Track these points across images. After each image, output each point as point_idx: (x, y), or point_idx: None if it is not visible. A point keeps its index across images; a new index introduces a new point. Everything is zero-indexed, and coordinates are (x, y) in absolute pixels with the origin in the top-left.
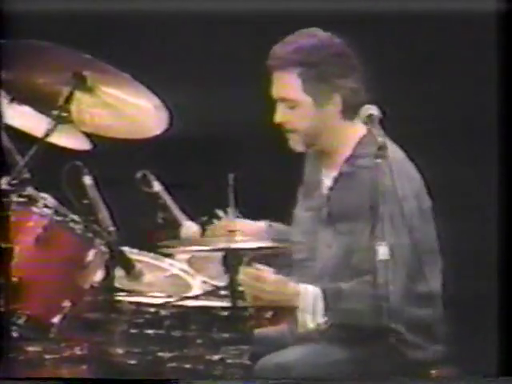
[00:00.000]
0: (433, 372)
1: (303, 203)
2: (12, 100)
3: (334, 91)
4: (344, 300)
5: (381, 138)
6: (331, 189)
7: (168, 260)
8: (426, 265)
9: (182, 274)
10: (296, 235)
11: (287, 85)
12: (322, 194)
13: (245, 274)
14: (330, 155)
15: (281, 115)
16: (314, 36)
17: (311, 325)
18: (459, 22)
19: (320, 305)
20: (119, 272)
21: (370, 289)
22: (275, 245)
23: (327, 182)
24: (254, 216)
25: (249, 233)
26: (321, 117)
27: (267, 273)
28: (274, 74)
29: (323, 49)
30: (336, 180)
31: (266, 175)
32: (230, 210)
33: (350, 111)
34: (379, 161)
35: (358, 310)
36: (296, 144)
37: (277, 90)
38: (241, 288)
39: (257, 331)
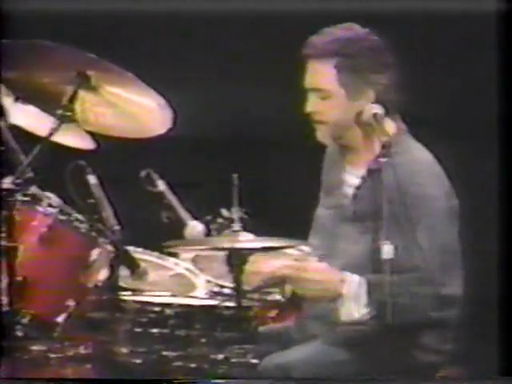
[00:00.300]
0: (440, 373)
1: (324, 201)
2: (16, 99)
3: (367, 85)
4: (387, 292)
5: (384, 136)
6: (358, 187)
7: (172, 259)
8: (449, 266)
9: (186, 273)
10: (316, 233)
11: (322, 74)
12: (345, 192)
13: (286, 267)
14: (356, 152)
15: (312, 105)
16: (351, 29)
17: (356, 314)
18: (459, 22)
19: (364, 294)
20: (124, 271)
21: (413, 287)
22: (281, 244)
23: (352, 180)
24: (258, 216)
25: None
26: (352, 110)
27: (310, 261)
28: (308, 62)
29: (360, 42)
30: (364, 178)
31: (271, 175)
32: (235, 210)
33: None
34: (384, 160)
35: (401, 304)
36: (324, 136)
37: (310, 80)
38: (283, 283)
39: (262, 330)
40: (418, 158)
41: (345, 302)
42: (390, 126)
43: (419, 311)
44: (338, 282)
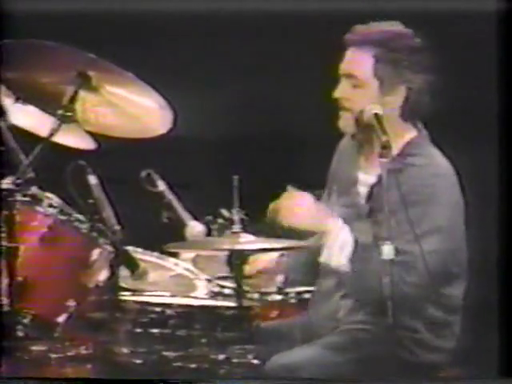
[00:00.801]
0: (440, 373)
1: (338, 200)
2: (17, 99)
3: (402, 83)
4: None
5: (384, 137)
6: (373, 186)
7: (173, 259)
8: (455, 272)
9: (186, 273)
10: None
11: (359, 62)
12: (360, 191)
13: (284, 198)
14: (371, 150)
15: (342, 91)
16: (396, 26)
17: (334, 260)
18: (459, 22)
19: (348, 249)
20: (124, 271)
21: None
22: (281, 246)
23: (367, 178)
24: (258, 217)
25: None
26: (381, 104)
27: (307, 197)
28: (348, 48)
29: (403, 39)
30: (380, 177)
31: (272, 176)
32: (235, 211)
33: (408, 110)
34: (383, 160)
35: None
36: (347, 124)
37: (346, 66)
38: (276, 215)
39: (262, 330)
40: (437, 162)
41: (329, 244)
42: (410, 129)
43: (421, 312)
44: (329, 220)
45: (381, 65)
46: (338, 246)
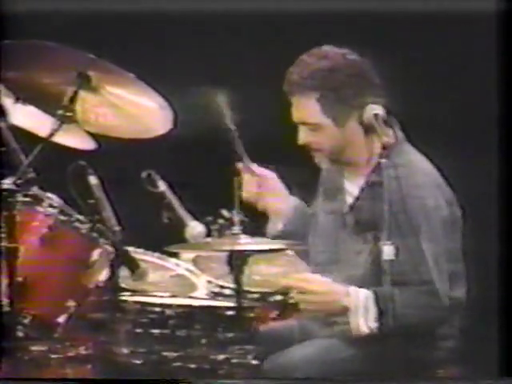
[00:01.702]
0: (440, 373)
1: (323, 206)
2: (17, 100)
3: (353, 110)
4: (397, 304)
5: (385, 137)
6: (358, 198)
7: (173, 260)
8: (452, 275)
9: (187, 273)
10: (315, 236)
11: (306, 109)
12: (345, 201)
13: (291, 278)
14: (354, 165)
15: (303, 137)
16: (327, 57)
17: (364, 328)
18: (459, 22)
19: (372, 308)
20: (124, 272)
21: (420, 299)
22: (281, 246)
23: (352, 189)
24: (258, 219)
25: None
26: (343, 135)
27: (314, 275)
28: (291, 98)
29: (339, 71)
30: (363, 189)
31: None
32: (235, 212)
33: (370, 126)
34: (384, 161)
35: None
36: (321, 161)
37: (297, 114)
38: (289, 294)
39: (263, 330)
40: (419, 169)
41: (352, 316)
42: (388, 136)
43: (422, 316)
44: (343, 295)
45: (327, 106)
46: (362, 313)
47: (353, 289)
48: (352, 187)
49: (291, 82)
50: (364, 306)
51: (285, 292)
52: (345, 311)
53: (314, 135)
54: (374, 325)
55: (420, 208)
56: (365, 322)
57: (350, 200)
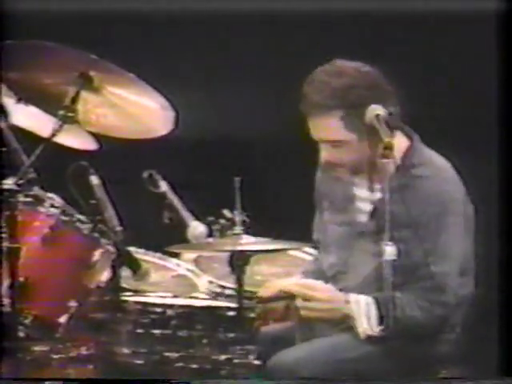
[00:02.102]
0: (440, 373)
1: (333, 217)
2: (18, 100)
3: (374, 119)
4: (398, 307)
5: (387, 138)
6: (377, 202)
7: (174, 260)
8: (465, 273)
9: (188, 274)
10: (331, 251)
11: (329, 128)
12: (360, 208)
13: (295, 285)
14: (369, 171)
15: (327, 155)
16: (344, 74)
17: (368, 333)
18: (459, 22)
19: (374, 312)
20: (125, 272)
21: (429, 296)
22: (282, 247)
23: (367, 194)
24: (259, 218)
25: None
26: (366, 147)
27: (316, 281)
28: (310, 118)
29: (358, 87)
30: (385, 193)
31: (273, 176)
32: (237, 213)
33: (392, 132)
34: (386, 160)
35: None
36: (342, 174)
37: (318, 133)
38: (292, 300)
39: (263, 331)
40: (441, 166)
41: (355, 323)
42: (402, 138)
43: (427, 315)
44: (344, 302)
45: (350, 122)
46: (365, 317)
47: (353, 296)
48: (366, 193)
49: (311, 102)
50: (365, 313)
51: (286, 297)
52: (346, 318)
53: (337, 152)
54: (377, 329)
55: (449, 202)
56: (368, 327)
57: (367, 207)
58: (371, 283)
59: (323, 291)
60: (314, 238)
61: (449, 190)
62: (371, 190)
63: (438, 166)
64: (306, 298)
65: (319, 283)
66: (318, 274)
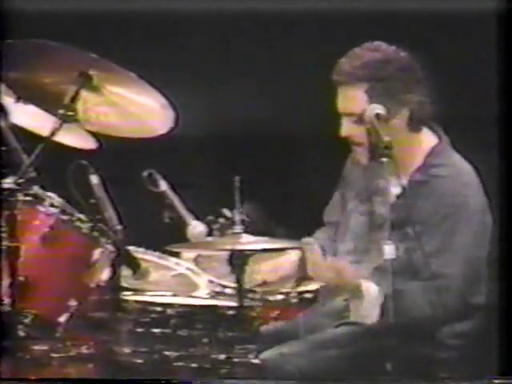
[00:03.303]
0: (440, 373)
1: (357, 206)
2: (18, 99)
3: (400, 105)
4: (404, 301)
5: (387, 137)
6: (399, 196)
7: (174, 259)
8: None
9: (188, 273)
10: (349, 239)
11: (354, 100)
12: (384, 200)
13: (324, 264)
14: (396, 164)
15: (346, 129)
16: (379, 50)
17: (367, 321)
18: (459, 22)
19: (378, 304)
20: (125, 271)
21: (428, 295)
22: (283, 246)
23: (392, 188)
24: (260, 218)
25: None
26: (387, 130)
27: (344, 262)
28: (339, 88)
29: (389, 64)
30: (405, 188)
31: (274, 176)
32: (236, 212)
33: (416, 123)
34: (384, 160)
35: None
36: (361, 157)
37: (343, 105)
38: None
39: (264, 330)
40: (463, 169)
41: (359, 307)
42: (430, 137)
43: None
44: (359, 280)
45: (375, 98)
46: (370, 305)
47: (366, 283)
48: (392, 187)
49: (342, 71)
50: (371, 301)
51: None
52: (356, 295)
53: (357, 127)
54: (375, 319)
55: (463, 206)
56: (369, 315)
57: (389, 199)
58: (382, 275)
59: (338, 264)
60: (325, 220)
61: (465, 195)
62: (392, 182)
63: (459, 169)
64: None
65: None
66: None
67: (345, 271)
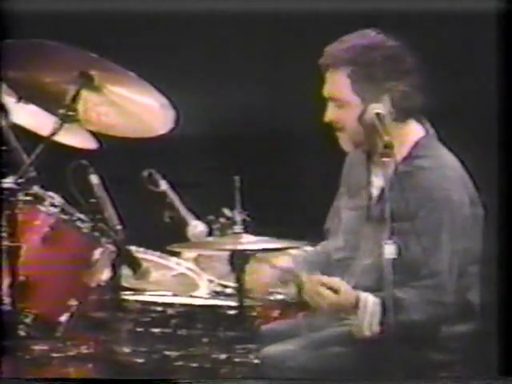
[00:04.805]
0: (440, 373)
1: (347, 202)
2: (19, 99)
3: (382, 93)
4: (403, 310)
5: (387, 136)
6: (384, 189)
7: (174, 259)
8: (468, 273)
9: (188, 272)
10: (340, 234)
11: (337, 84)
12: (371, 193)
13: (310, 281)
14: (378, 154)
15: (330, 114)
16: (366, 37)
17: (368, 331)
18: (459, 22)
19: (377, 315)
20: (126, 271)
21: (428, 294)
22: (283, 246)
23: (379, 181)
24: (260, 217)
25: None
26: (369, 117)
27: (331, 279)
28: (326, 72)
29: (374, 50)
30: (391, 180)
31: (274, 176)
32: (237, 212)
33: (401, 113)
34: (385, 159)
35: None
36: (345, 143)
37: (327, 89)
38: (305, 295)
39: (263, 330)
40: (448, 162)
41: (359, 321)
42: (417, 129)
43: (427, 315)
44: (353, 300)
45: (357, 82)
46: (369, 318)
47: (363, 296)
48: (378, 179)
49: (327, 54)
50: (371, 314)
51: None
52: (352, 314)
53: (340, 112)
54: (376, 330)
55: (445, 200)
56: (369, 328)
57: (375, 192)
58: (375, 270)
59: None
60: (325, 227)
61: (449, 189)
62: (378, 175)
63: (443, 162)
64: (317, 295)
65: (336, 281)
66: (320, 261)
67: (341, 289)
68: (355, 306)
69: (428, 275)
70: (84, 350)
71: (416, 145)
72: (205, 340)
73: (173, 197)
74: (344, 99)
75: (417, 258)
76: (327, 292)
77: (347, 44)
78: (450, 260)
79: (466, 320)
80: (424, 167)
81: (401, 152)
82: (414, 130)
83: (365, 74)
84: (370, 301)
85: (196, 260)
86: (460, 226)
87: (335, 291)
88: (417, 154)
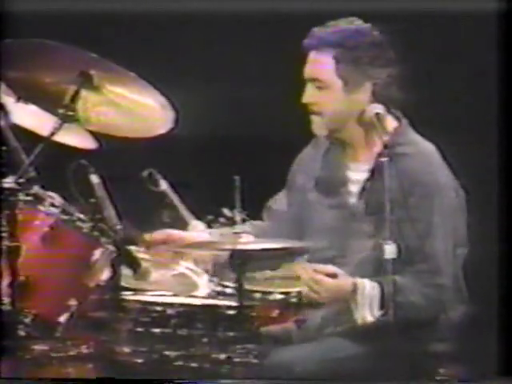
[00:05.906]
0: (440, 373)
1: (324, 201)
2: (18, 99)
3: (366, 79)
4: (400, 292)
5: (386, 136)
6: (368, 180)
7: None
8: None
9: (188, 272)
10: (323, 235)
11: (320, 64)
12: (350, 190)
13: (305, 271)
14: (356, 147)
15: (308, 96)
16: (353, 23)
17: (370, 317)
18: (459, 22)
19: (377, 298)
20: (126, 271)
21: (425, 278)
22: (282, 246)
23: (357, 176)
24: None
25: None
26: (348, 103)
27: (326, 266)
28: (309, 53)
29: (361, 35)
30: (372, 171)
31: (274, 175)
32: (237, 211)
33: (379, 103)
34: (385, 159)
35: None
36: (319, 128)
37: (309, 70)
38: (298, 284)
39: (263, 329)
40: (425, 148)
41: (359, 307)
42: (392, 121)
43: (426, 305)
44: (351, 286)
45: (341, 65)
46: (368, 304)
47: (360, 282)
48: (356, 174)
49: (314, 35)
50: (370, 297)
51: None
52: (352, 302)
53: (319, 95)
54: (377, 314)
55: (433, 183)
56: (370, 312)
57: (355, 189)
58: (370, 264)
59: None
60: (267, 206)
61: (435, 172)
62: (355, 170)
63: (423, 148)
64: (315, 284)
65: (324, 267)
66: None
67: (337, 272)
68: (353, 290)
69: (423, 259)
70: (84, 349)
71: (393, 133)
72: (204, 340)
73: (172, 196)
74: (326, 80)
75: (412, 244)
76: (325, 278)
77: (334, 27)
78: (443, 242)
79: (462, 307)
80: (407, 153)
81: (375, 143)
82: (389, 121)
83: (350, 58)
84: (367, 285)
85: (196, 260)
86: (448, 206)
87: (332, 276)
88: (396, 141)
